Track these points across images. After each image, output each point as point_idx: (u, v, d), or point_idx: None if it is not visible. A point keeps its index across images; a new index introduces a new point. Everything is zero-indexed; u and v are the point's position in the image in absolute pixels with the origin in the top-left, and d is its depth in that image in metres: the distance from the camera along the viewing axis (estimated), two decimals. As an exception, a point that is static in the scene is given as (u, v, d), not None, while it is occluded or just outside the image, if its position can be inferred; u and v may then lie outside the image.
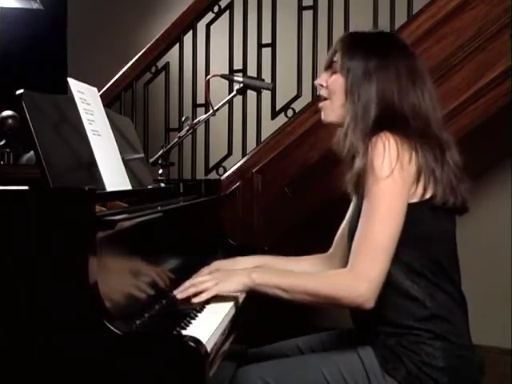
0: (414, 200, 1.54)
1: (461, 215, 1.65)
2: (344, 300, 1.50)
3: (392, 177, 1.49)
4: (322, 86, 1.71)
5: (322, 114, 1.72)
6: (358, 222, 1.57)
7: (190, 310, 1.49)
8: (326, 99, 1.71)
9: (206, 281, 1.57)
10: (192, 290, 1.56)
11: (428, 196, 1.55)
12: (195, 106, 3.31)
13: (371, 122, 1.58)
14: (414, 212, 1.53)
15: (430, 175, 1.54)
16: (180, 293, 1.57)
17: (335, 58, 1.68)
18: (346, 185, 1.72)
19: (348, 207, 1.85)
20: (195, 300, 1.53)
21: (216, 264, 1.82)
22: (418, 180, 1.54)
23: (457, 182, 1.59)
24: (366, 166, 1.53)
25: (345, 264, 1.78)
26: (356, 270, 1.50)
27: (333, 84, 1.67)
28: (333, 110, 1.68)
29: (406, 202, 1.52)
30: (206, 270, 1.77)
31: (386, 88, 1.59)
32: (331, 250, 1.89)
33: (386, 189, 1.50)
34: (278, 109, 3.12)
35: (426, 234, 1.56)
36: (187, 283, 1.60)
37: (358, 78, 1.61)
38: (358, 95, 1.60)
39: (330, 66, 1.70)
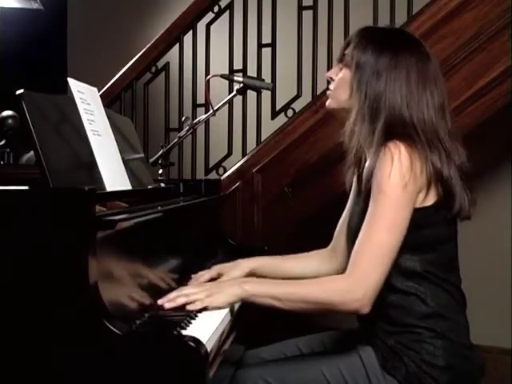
0: (420, 205, 1.53)
1: (462, 221, 1.63)
2: (340, 305, 1.49)
3: (403, 187, 1.48)
4: (331, 78, 1.69)
5: (328, 100, 1.70)
6: (358, 222, 1.57)
7: (180, 317, 1.43)
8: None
9: (197, 292, 1.51)
10: (182, 300, 1.48)
11: (433, 200, 1.54)
12: (195, 106, 3.31)
13: (380, 126, 1.55)
14: (418, 217, 1.52)
15: (438, 180, 1.53)
16: (168, 302, 1.48)
17: (347, 51, 1.64)
18: (348, 183, 1.72)
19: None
20: (190, 307, 1.46)
21: (217, 268, 1.78)
22: (428, 188, 1.53)
23: (462, 185, 1.57)
24: (374, 173, 1.51)
25: (346, 258, 1.79)
26: (354, 275, 1.49)
27: (341, 79, 1.65)
28: (338, 101, 1.67)
29: (411, 211, 1.51)
30: (206, 273, 1.76)
31: (395, 91, 1.56)
32: (331, 244, 1.88)
33: (394, 199, 1.48)
34: (278, 109, 3.11)
35: (429, 237, 1.56)
36: (174, 293, 1.52)
37: (367, 75, 1.58)
38: (365, 93, 1.57)
39: (342, 59, 1.67)
